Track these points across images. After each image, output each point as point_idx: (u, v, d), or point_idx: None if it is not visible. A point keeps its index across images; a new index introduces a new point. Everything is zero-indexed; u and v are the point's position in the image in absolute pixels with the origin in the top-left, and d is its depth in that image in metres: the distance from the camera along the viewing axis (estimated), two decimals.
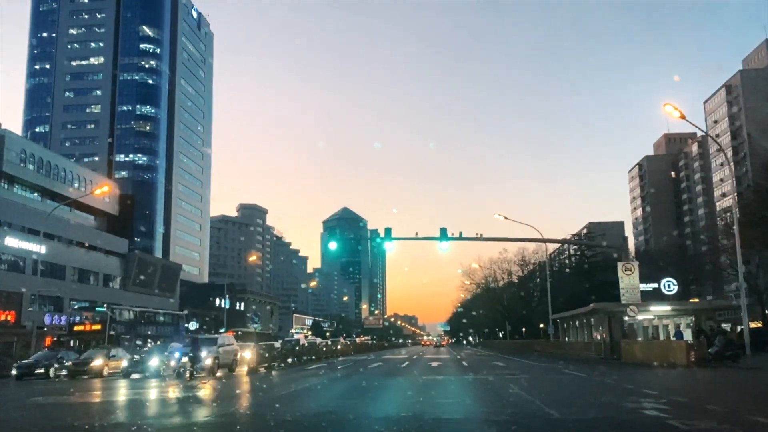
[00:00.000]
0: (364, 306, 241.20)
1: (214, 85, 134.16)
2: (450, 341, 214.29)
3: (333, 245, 36.06)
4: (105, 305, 34.80)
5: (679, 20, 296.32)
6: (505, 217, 52.68)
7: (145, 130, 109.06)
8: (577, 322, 45.95)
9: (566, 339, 51.41)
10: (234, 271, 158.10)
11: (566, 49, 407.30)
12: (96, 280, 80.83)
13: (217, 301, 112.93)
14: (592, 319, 40.85)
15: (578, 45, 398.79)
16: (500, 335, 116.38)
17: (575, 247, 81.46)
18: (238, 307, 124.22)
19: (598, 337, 39.22)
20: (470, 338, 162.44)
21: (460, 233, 36.66)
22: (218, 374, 25.18)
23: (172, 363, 23.76)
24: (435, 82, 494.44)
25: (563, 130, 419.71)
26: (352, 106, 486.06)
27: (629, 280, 36.25)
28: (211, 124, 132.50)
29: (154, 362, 25.54)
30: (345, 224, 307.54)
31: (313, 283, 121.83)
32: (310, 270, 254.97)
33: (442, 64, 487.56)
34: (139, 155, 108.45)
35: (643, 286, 37.99)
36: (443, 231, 36.26)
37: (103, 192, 69.45)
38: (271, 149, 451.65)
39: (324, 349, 47.88)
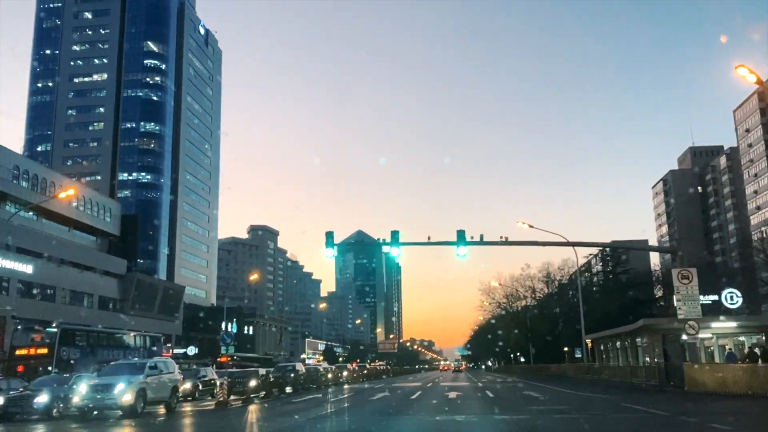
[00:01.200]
0: (379, 330, 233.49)
1: (223, 104, 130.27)
2: (468, 366, 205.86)
3: (329, 252, 27.66)
4: (55, 324, 28.86)
5: (707, 28, 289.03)
6: (531, 225, 46.37)
7: (150, 148, 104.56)
8: (618, 343, 39.15)
9: (603, 362, 44.48)
10: (244, 294, 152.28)
11: (584, 64, 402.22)
12: (90, 302, 75.21)
13: (223, 324, 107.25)
14: (638, 339, 34.14)
15: (598, 59, 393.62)
16: (521, 359, 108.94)
17: (602, 264, 74.45)
18: (246, 331, 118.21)
19: (647, 359, 32.54)
20: (489, 362, 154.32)
21: (481, 236, 30.29)
22: (160, 411, 19.00)
23: (76, 399, 17.28)
24: (449, 102, 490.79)
25: (581, 149, 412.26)
26: (363, 126, 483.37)
27: (687, 290, 29.49)
28: (219, 143, 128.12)
29: (42, 398, 18.50)
30: (360, 247, 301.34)
31: (322, 305, 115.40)
32: (324, 293, 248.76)
33: (455, 79, 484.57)
34: (143, 173, 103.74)
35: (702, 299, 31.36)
36: (461, 234, 30.00)
37: (69, 196, 64.31)
38: (283, 170, 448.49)
39: (328, 376, 41.55)
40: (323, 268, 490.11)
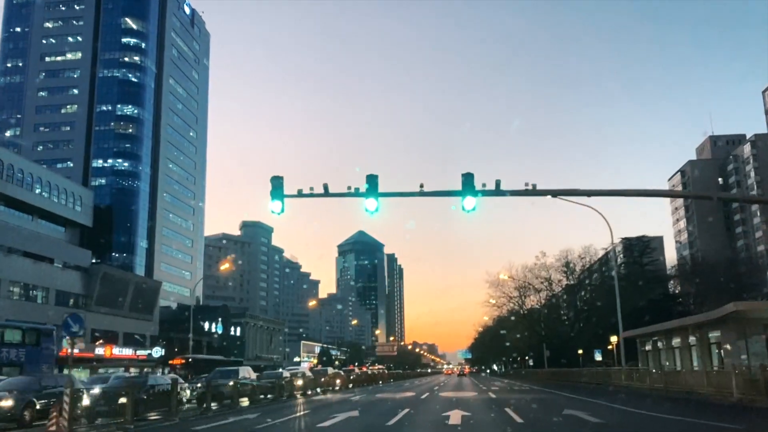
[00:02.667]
0: (379, 331, 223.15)
1: (213, 92, 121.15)
2: (472, 370, 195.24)
3: (276, 207, 17.00)
4: None
5: (726, 14, 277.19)
6: (555, 195, 36.71)
7: (127, 133, 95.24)
8: (674, 341, 29.37)
9: (647, 366, 34.74)
10: (235, 294, 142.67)
11: (595, 54, 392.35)
12: (45, 297, 65.67)
13: (207, 325, 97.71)
14: (714, 334, 24.35)
15: (610, 47, 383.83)
16: (530, 363, 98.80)
17: (625, 254, 64.42)
18: (233, 332, 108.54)
19: (728, 362, 22.82)
20: (494, 366, 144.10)
21: (497, 183, 19.99)
22: None
23: None
24: (449, 91, 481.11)
25: (592, 141, 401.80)
26: (363, 117, 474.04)
27: None
28: (206, 131, 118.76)
29: None
30: (360, 248, 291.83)
31: (312, 303, 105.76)
32: (323, 295, 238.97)
33: (461, 70, 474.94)
34: (120, 160, 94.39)
35: None
36: (468, 180, 19.80)
37: None
38: (281, 164, 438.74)
39: (297, 384, 31.93)
40: (324, 270, 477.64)
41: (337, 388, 42.31)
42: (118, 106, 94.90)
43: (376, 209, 19.53)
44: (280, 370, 50.37)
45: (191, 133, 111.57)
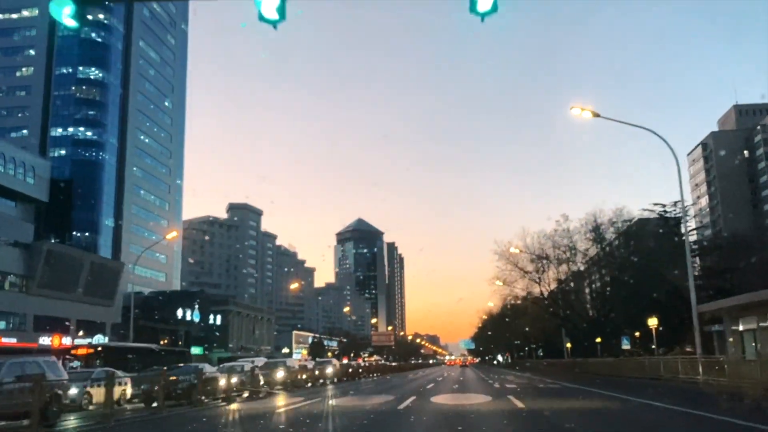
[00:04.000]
0: (374, 321, 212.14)
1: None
2: (474, 361, 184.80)
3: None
4: None
5: None
6: (595, 113, 25.89)
7: (90, 98, 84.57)
8: None
9: (723, 354, 24.02)
10: (221, 280, 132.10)
11: (603, 16, 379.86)
12: None
13: (181, 312, 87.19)
14: None
15: (623, 9, 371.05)
16: (540, 353, 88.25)
17: (661, 224, 53.08)
18: (213, 321, 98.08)
19: None
20: (499, 357, 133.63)
21: None
22: None
23: None
24: (452, 77, 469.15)
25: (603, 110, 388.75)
26: (363, 102, 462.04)
27: None
28: (185, 102, 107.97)
29: None
30: (359, 236, 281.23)
31: (294, 286, 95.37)
32: (321, 284, 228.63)
33: (461, 55, 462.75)
34: (82, 128, 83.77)
35: None
36: None
37: None
38: (276, 155, 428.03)
39: (224, 384, 21.43)
40: (323, 259, 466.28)
41: (309, 385, 31.94)
42: (80, 68, 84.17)
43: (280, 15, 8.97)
44: (242, 362, 39.81)
45: (166, 103, 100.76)
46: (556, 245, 46.46)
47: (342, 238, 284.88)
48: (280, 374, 29.51)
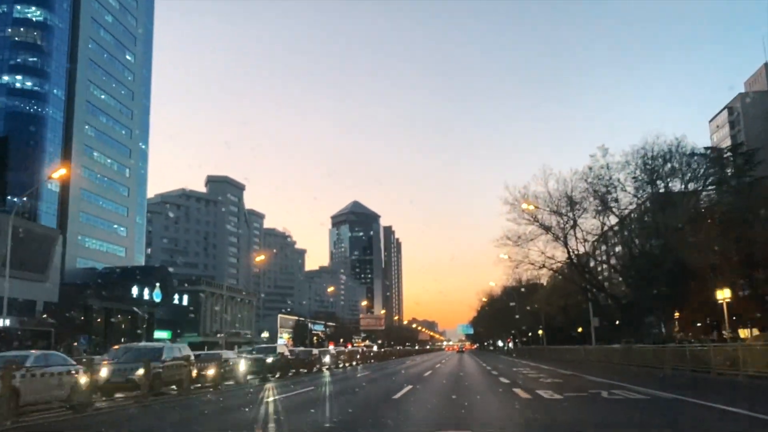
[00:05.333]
0: (365, 302, 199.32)
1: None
2: (473, 347, 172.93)
3: None
4: None
5: None
6: None
7: (30, 42, 71.94)
8: None
9: None
10: (199, 259, 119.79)
11: None
12: None
13: (139, 291, 74.89)
14: None
15: None
16: (544, 339, 76.08)
17: (715, 172, 40.21)
18: (180, 302, 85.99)
19: None
20: (500, 343, 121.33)
21: None
22: None
23: None
24: (456, 55, 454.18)
25: (618, 74, 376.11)
26: (365, 91, 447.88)
27: None
28: (151, 58, 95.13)
29: None
30: (355, 218, 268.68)
31: (259, 258, 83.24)
32: (314, 267, 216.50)
33: (463, 36, 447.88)
34: (19, 77, 71.26)
35: None
36: None
37: None
38: (271, 132, 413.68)
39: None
40: (317, 242, 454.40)
41: (241, 380, 20.57)
42: (17, 6, 71.61)
43: None
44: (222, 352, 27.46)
45: (127, 56, 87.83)
46: (594, 187, 33.86)
47: (337, 221, 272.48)
48: (242, 367, 19.47)
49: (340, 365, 39.10)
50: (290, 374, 27.92)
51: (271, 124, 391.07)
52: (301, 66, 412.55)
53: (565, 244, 35.49)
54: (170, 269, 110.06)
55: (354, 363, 42.82)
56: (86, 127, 77.96)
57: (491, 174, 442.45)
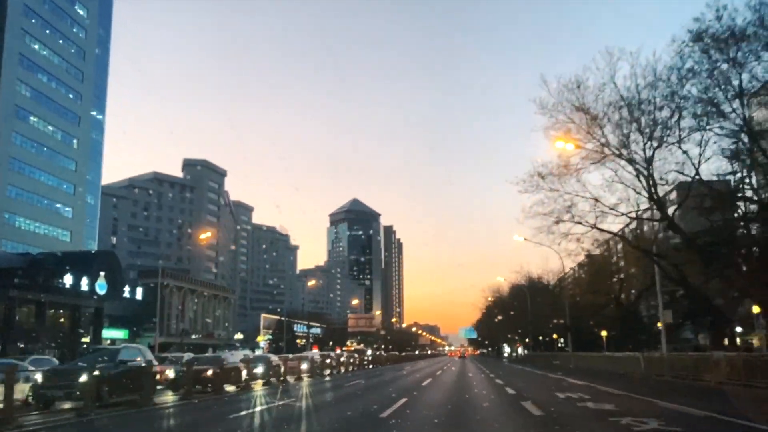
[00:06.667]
0: (355, 302, 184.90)
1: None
2: (475, 353, 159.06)
3: None
4: None
5: None
6: None
7: None
8: None
9: None
10: (172, 251, 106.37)
11: None
12: None
13: (71, 279, 61.33)
14: None
15: None
16: (560, 343, 62.16)
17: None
18: (142, 297, 72.20)
19: None
20: (507, 348, 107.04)
21: None
22: None
23: None
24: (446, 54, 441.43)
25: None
26: (362, 88, 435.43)
27: None
28: (111, 16, 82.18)
29: None
30: (354, 217, 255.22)
31: (205, 235, 70.16)
32: (310, 266, 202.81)
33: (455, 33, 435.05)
34: None
35: None
36: None
37: None
38: (270, 137, 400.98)
39: None
40: (317, 242, 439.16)
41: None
42: None
43: None
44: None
45: (78, 10, 74.81)
46: (709, 59, 19.68)
47: (335, 219, 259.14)
48: None
49: (327, 372, 33.31)
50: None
51: (269, 122, 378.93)
52: (301, 64, 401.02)
53: (650, 176, 21.40)
54: (138, 262, 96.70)
55: (343, 370, 38.83)
56: (20, 85, 64.84)
57: (492, 174, 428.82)
